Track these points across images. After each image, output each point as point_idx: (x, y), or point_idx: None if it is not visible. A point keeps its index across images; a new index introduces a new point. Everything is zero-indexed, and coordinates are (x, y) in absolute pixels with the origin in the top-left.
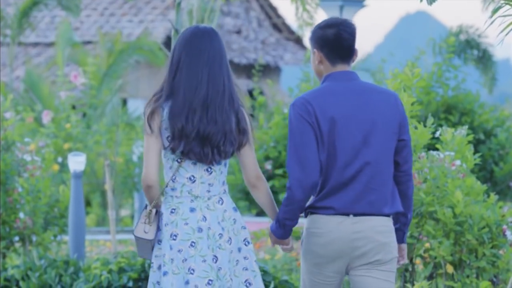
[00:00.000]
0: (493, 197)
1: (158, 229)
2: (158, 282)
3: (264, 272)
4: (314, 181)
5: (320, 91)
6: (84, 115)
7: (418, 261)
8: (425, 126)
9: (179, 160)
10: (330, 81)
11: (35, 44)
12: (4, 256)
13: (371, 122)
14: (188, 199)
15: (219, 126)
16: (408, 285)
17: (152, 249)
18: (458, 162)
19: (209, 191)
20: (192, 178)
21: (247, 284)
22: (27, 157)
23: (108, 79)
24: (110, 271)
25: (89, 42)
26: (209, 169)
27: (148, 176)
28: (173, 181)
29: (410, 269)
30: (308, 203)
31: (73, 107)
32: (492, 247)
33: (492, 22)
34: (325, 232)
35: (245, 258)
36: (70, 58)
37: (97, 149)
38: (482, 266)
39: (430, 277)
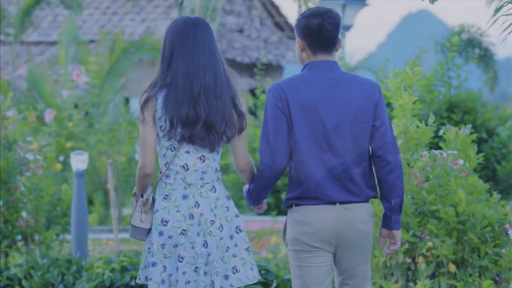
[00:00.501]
0: (496, 195)
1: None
2: (148, 265)
3: (266, 271)
4: (283, 166)
5: (296, 79)
6: (87, 114)
7: (420, 260)
8: (426, 124)
9: (173, 149)
10: (308, 70)
11: (37, 43)
12: (7, 255)
13: (342, 112)
14: (181, 186)
15: (220, 113)
16: (411, 284)
17: (147, 234)
18: (461, 161)
19: (202, 179)
20: (186, 166)
21: (234, 271)
22: (29, 156)
23: (110, 78)
24: (112, 270)
25: (91, 41)
26: (203, 157)
27: (146, 165)
28: (167, 169)
29: (412, 268)
30: (290, 195)
31: (76, 106)
32: (494, 246)
33: (494, 21)
34: (313, 220)
35: (235, 245)
36: (72, 57)
37: (99, 148)
38: (485, 265)
39: (432, 276)
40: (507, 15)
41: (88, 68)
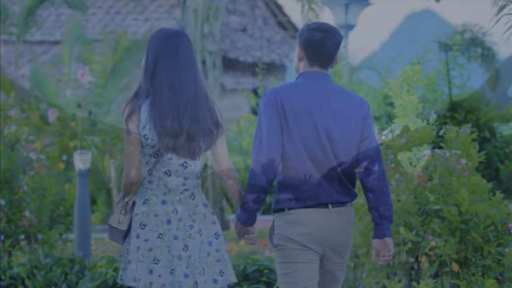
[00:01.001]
0: (499, 195)
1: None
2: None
3: (269, 270)
4: (275, 167)
5: (290, 85)
6: (90, 113)
7: (423, 259)
8: (428, 123)
9: (156, 156)
10: (302, 78)
11: (41, 42)
12: (10, 254)
13: (334, 119)
14: (162, 192)
15: (201, 124)
16: (414, 283)
17: (124, 237)
18: (463, 161)
19: (184, 184)
20: (168, 172)
21: (221, 274)
22: (32, 155)
23: (113, 77)
24: (115, 269)
25: (95, 41)
26: (185, 164)
27: (132, 174)
28: (149, 175)
29: (415, 267)
30: (282, 197)
31: (79, 105)
32: (497, 245)
33: (498, 20)
34: (309, 221)
35: (217, 250)
36: (76, 56)
37: (102, 147)
38: (488, 264)
39: (435, 275)
40: (510, 14)
41: (91, 68)
